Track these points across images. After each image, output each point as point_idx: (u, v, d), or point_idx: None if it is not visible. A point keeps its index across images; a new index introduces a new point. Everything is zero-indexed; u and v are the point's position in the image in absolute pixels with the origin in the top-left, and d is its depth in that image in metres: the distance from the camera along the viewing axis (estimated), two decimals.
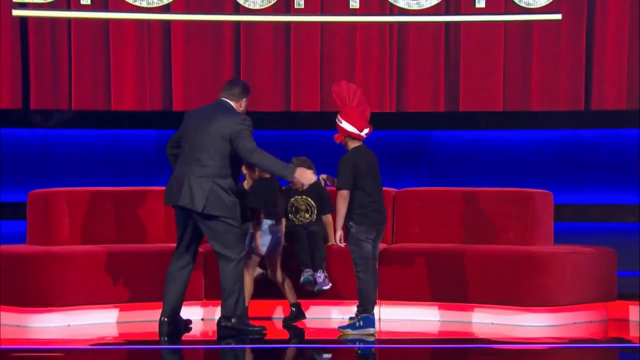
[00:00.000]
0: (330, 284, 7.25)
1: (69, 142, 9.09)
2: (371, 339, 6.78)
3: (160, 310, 6.86)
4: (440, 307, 7.42)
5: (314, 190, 7.31)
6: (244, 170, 7.08)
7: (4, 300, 7.15)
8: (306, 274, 7.25)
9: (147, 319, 7.21)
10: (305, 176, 6.71)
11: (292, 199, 7.40)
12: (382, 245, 7.57)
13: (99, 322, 7.20)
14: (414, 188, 8.25)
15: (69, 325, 7.12)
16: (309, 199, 7.39)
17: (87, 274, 7.17)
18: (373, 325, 6.82)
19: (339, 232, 6.79)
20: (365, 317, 6.79)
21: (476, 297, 7.29)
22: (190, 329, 7.03)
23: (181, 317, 6.95)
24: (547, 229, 7.69)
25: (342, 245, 6.82)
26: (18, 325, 7.09)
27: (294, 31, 9.22)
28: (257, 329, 6.84)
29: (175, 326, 6.84)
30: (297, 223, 7.38)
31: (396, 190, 7.98)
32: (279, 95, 9.21)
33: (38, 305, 7.10)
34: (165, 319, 6.81)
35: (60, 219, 7.56)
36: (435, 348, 6.74)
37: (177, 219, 6.83)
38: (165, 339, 6.74)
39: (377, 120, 8.96)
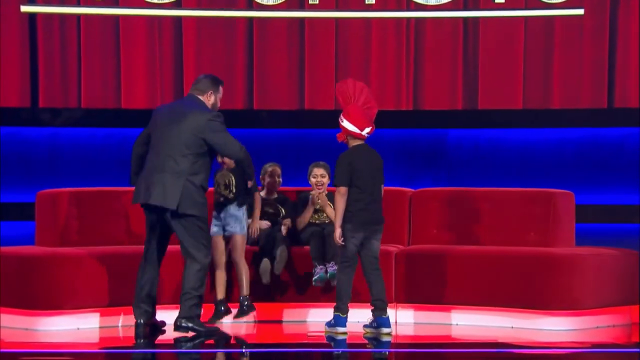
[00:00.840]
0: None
1: (78, 141, 9.11)
2: (387, 338, 6.81)
3: (163, 313, 6.99)
4: (457, 310, 7.40)
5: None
6: (219, 159, 7.13)
7: (12, 303, 7.17)
8: (320, 272, 7.26)
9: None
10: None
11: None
12: (397, 247, 7.63)
13: (108, 325, 7.21)
14: (431, 188, 8.26)
15: (78, 329, 7.13)
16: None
17: (97, 276, 7.18)
18: (344, 325, 6.87)
19: (338, 230, 6.84)
20: (336, 315, 6.87)
21: (495, 300, 7.29)
22: (164, 331, 7.02)
23: (156, 320, 7.00)
24: (569, 230, 7.70)
25: (340, 242, 6.87)
26: (26, 329, 7.10)
27: (308, 27, 9.21)
28: (212, 329, 6.90)
29: (152, 328, 6.90)
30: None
31: (413, 190, 7.99)
32: (293, 93, 9.21)
33: (46, 307, 7.12)
34: (141, 321, 6.86)
35: (69, 220, 7.59)
36: (453, 353, 6.72)
37: (146, 220, 6.85)
38: (141, 341, 6.76)
39: (393, 119, 9.10)
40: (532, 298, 7.21)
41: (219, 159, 7.19)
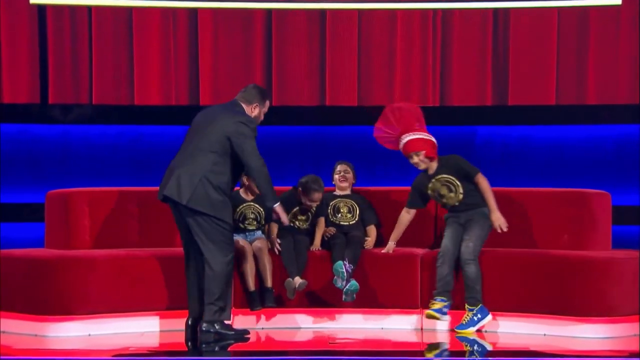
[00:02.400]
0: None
1: (90, 139, 9.13)
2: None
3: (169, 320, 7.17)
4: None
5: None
6: (245, 181, 7.38)
7: (21, 308, 7.20)
8: (353, 281, 7.31)
9: (174, 328, 7.25)
10: (283, 214, 6.94)
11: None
12: (424, 250, 7.65)
13: (122, 331, 7.22)
14: None
15: (89, 335, 7.15)
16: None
17: (110, 279, 7.20)
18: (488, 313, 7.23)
19: (498, 213, 7.25)
20: (481, 307, 7.21)
21: (527, 306, 7.26)
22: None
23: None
24: (605, 232, 7.69)
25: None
26: (36, 335, 7.12)
27: (329, 20, 9.20)
28: (240, 332, 7.02)
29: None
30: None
31: None
32: (314, 88, 9.21)
33: (57, 313, 7.14)
34: (189, 322, 7.01)
35: (81, 221, 7.61)
36: None
37: (175, 219, 7.01)
38: (189, 344, 6.86)
39: None
40: (565, 304, 7.19)
41: (244, 181, 7.37)
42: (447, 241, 7.34)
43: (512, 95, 9.13)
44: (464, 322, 7.20)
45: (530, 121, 9.11)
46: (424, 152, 7.32)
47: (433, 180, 7.40)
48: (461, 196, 7.36)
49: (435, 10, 9.15)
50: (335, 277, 7.29)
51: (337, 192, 7.82)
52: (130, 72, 9.14)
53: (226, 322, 6.92)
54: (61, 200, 7.68)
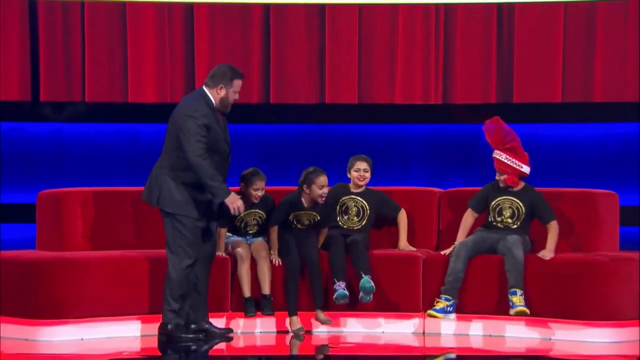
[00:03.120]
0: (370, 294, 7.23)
1: (83, 138, 9.13)
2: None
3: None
4: (490, 320, 7.35)
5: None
6: (242, 189, 7.25)
7: (12, 312, 7.17)
8: (340, 289, 7.22)
9: None
10: (237, 204, 6.78)
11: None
12: (426, 252, 7.62)
13: (115, 335, 7.20)
14: (462, 188, 8.24)
15: (82, 339, 7.12)
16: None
17: (103, 282, 7.16)
18: None
19: (552, 254, 7.29)
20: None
21: (531, 310, 7.18)
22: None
23: (210, 325, 7.08)
24: (612, 233, 7.67)
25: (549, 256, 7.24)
26: (27, 339, 7.10)
27: (329, 15, 9.21)
28: (192, 338, 7.00)
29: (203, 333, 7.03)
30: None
31: (442, 190, 7.94)
32: (313, 85, 9.22)
33: (49, 317, 7.11)
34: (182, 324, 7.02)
35: (74, 222, 7.58)
36: None
37: None
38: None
39: (421, 113, 9.12)
40: (571, 307, 7.17)
41: (242, 189, 7.29)
42: (468, 239, 7.35)
43: (517, 92, 9.16)
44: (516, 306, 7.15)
45: (535, 119, 9.13)
46: (506, 176, 7.43)
47: (505, 197, 7.48)
48: (515, 227, 7.43)
49: (437, 5, 9.16)
50: (362, 294, 7.23)
51: (352, 188, 7.65)
52: (124, 68, 9.14)
53: (180, 323, 6.93)
54: (53, 200, 7.65)
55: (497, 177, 7.49)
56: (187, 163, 6.71)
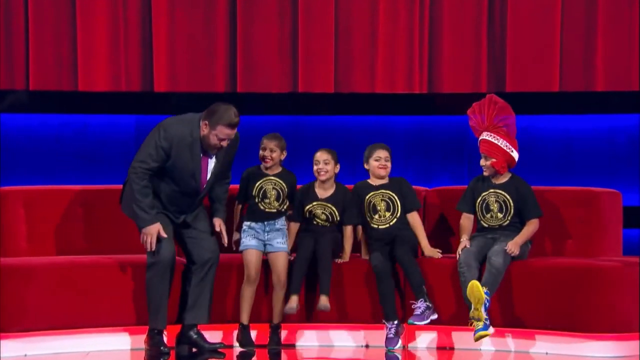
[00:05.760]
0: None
1: (26, 130, 9.09)
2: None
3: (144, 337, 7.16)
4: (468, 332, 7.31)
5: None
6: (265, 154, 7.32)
7: None
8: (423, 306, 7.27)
9: (125, 347, 7.27)
10: (149, 237, 6.99)
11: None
12: None
13: (63, 351, 7.18)
14: (449, 186, 8.23)
15: (25, 355, 7.09)
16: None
17: (49, 291, 7.13)
18: None
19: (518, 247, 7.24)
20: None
21: (527, 321, 7.25)
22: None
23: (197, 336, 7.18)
24: (615, 236, 7.72)
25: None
26: None
27: None
28: (162, 351, 7.09)
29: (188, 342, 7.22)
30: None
31: (427, 188, 7.97)
32: (285, 73, 9.19)
33: None
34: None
35: (16, 225, 7.58)
36: None
37: None
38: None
39: (404, 104, 9.24)
40: (570, 318, 7.18)
41: (266, 155, 7.41)
42: (469, 249, 7.28)
43: (510, 81, 9.17)
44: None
45: (531, 110, 9.11)
46: (493, 160, 7.35)
47: (491, 190, 7.43)
48: (507, 223, 7.37)
49: None
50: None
51: (373, 182, 7.60)
52: (73, 54, 9.10)
53: (157, 330, 7.05)
54: None
55: (481, 163, 7.41)
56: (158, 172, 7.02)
